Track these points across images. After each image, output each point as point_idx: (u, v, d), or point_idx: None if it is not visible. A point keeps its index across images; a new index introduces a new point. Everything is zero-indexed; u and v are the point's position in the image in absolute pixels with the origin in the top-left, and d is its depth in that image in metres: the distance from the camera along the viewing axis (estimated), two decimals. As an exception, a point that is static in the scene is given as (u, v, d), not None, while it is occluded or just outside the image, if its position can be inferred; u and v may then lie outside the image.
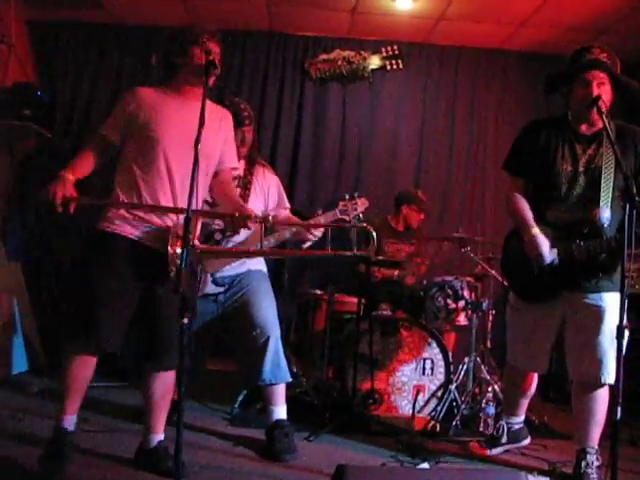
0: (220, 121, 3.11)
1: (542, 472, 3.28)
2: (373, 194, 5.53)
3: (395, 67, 5.99)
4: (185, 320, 2.44)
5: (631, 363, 4.83)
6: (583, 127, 3.23)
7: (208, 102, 3.02)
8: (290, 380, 3.58)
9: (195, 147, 2.49)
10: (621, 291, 2.57)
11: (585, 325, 3.16)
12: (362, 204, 3.53)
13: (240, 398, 4.08)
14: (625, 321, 2.56)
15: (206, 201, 3.35)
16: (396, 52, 5.96)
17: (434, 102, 6.14)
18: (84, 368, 2.91)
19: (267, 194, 3.71)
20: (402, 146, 6.08)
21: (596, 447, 3.17)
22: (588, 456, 3.14)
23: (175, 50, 2.99)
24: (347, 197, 3.54)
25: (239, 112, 3.49)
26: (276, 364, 3.46)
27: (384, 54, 5.98)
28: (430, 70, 6.17)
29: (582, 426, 3.21)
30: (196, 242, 2.85)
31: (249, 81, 6.10)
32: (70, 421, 2.93)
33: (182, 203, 2.84)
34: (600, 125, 3.11)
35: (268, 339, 3.44)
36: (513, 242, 3.35)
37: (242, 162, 3.58)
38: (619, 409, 2.50)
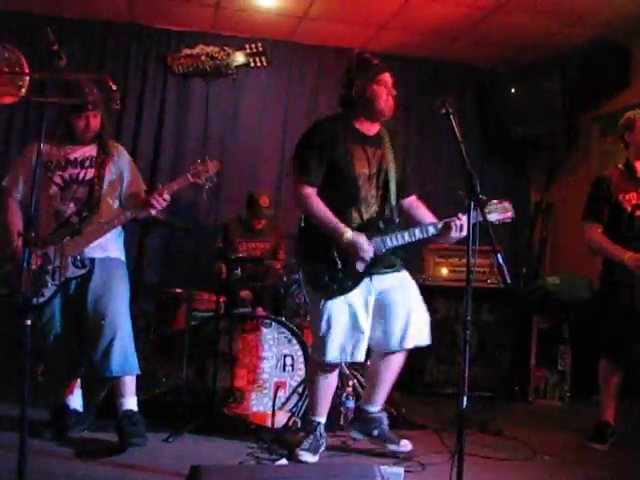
0: None
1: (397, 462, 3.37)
2: (236, 191, 5.56)
3: (259, 64, 5.96)
4: (28, 322, 2.36)
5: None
6: (367, 127, 3.47)
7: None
8: (138, 373, 3.52)
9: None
10: (467, 284, 2.68)
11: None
12: (213, 166, 3.54)
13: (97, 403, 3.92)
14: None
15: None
16: (260, 50, 5.94)
17: (297, 100, 6.22)
18: None
19: (122, 175, 3.67)
20: (265, 143, 6.12)
21: None
22: None
23: None
24: (199, 161, 3.54)
25: (82, 96, 3.46)
26: (124, 357, 3.42)
27: (248, 51, 5.93)
28: (293, 68, 6.23)
29: (385, 390, 3.60)
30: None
31: (109, 74, 5.89)
32: None
33: None
34: (378, 127, 3.48)
35: (116, 330, 3.40)
36: (312, 243, 3.42)
37: (91, 146, 3.60)
38: (465, 398, 2.62)
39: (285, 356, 4.07)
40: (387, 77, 3.41)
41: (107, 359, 3.38)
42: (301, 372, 4.06)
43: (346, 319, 3.35)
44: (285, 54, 6.17)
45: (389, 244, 3.34)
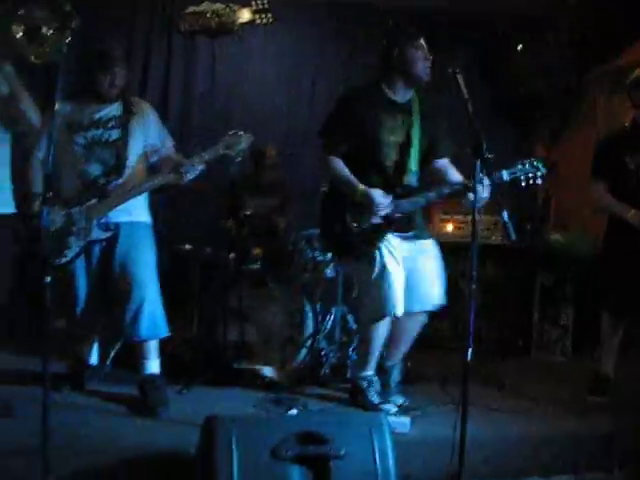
0: None
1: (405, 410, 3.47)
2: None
3: (265, 21, 5.94)
4: (47, 279, 2.42)
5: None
6: (399, 94, 3.52)
7: None
8: (168, 334, 3.57)
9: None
10: (472, 241, 2.73)
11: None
12: (246, 139, 3.51)
13: (112, 355, 4.02)
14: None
15: None
16: (266, 6, 5.90)
17: (303, 54, 6.25)
18: None
19: (149, 137, 3.64)
20: (272, 99, 6.16)
21: None
22: None
23: None
24: (230, 133, 3.52)
25: (109, 52, 3.49)
26: (153, 321, 3.44)
27: (254, 8, 5.90)
28: (299, 24, 6.23)
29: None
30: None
31: (115, 33, 5.88)
32: None
33: None
34: (411, 93, 3.53)
35: (145, 295, 3.41)
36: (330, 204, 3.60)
37: (115, 105, 3.56)
38: (470, 350, 2.70)
39: (294, 311, 4.15)
40: (423, 42, 3.47)
41: (136, 324, 3.40)
42: (309, 327, 4.14)
43: (396, 272, 3.45)
44: (291, 10, 6.12)
45: (403, 207, 3.44)
